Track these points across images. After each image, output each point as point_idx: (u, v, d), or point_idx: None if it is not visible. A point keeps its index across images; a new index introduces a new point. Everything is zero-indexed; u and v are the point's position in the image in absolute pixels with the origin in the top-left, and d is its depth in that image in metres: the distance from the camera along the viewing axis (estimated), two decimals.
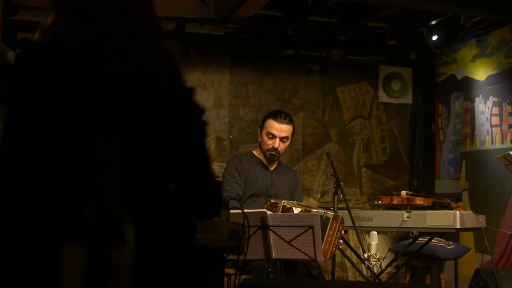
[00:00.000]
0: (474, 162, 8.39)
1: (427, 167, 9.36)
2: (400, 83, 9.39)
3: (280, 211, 5.20)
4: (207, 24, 8.24)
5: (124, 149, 2.01)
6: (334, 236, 5.24)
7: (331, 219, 5.24)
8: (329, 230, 5.20)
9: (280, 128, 5.88)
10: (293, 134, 6.03)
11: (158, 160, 2.21)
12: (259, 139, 6.07)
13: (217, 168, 8.48)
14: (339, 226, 5.28)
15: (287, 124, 5.91)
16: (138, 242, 1.60)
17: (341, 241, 5.51)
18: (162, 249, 2.16)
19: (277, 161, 6.15)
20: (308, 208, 5.29)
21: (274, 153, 5.92)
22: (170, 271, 2.20)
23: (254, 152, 6.17)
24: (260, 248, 4.61)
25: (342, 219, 5.35)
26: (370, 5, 7.95)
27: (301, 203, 5.45)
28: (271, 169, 6.07)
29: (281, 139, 5.89)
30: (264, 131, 5.95)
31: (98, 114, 2.12)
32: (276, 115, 5.95)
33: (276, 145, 5.87)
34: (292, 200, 5.56)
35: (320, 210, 5.29)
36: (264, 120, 6.03)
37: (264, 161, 6.04)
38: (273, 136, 5.88)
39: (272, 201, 5.29)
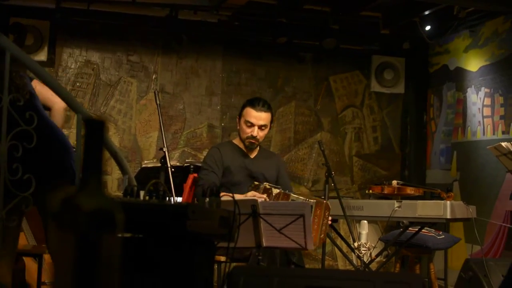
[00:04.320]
0: (465, 153, 8.41)
1: (419, 157, 9.37)
2: (393, 72, 9.40)
3: (262, 192, 5.20)
4: (201, 11, 8.23)
5: None
6: (321, 223, 5.22)
7: (313, 207, 5.22)
8: (314, 217, 5.17)
9: (258, 116, 5.80)
10: (272, 121, 5.95)
11: None
12: (238, 127, 6.00)
13: None
14: (325, 212, 5.27)
15: (265, 111, 5.83)
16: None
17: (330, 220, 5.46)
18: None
19: (258, 148, 6.07)
20: (287, 193, 5.26)
21: (253, 141, 5.85)
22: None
23: (234, 141, 6.09)
24: (251, 236, 4.61)
25: (327, 205, 5.32)
26: None
27: (279, 188, 5.39)
28: (252, 156, 5.98)
29: (260, 127, 5.81)
30: (242, 119, 5.87)
31: None
32: (253, 103, 5.86)
33: (255, 134, 5.81)
34: (278, 186, 5.52)
35: (301, 197, 5.27)
36: (242, 108, 5.94)
37: (244, 149, 5.97)
38: (252, 125, 5.80)
39: (256, 183, 5.29)
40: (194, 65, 8.78)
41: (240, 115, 5.93)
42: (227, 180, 5.77)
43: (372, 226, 8.03)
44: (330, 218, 5.41)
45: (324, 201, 5.34)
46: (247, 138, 5.84)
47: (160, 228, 2.96)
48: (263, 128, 5.84)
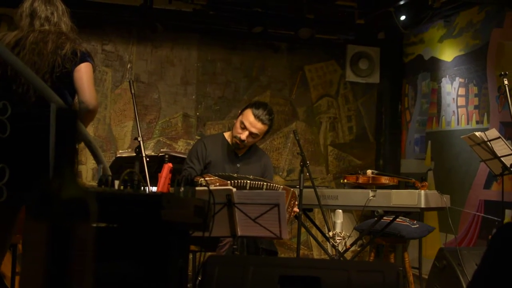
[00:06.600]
0: (440, 142, 8.44)
1: (393, 147, 9.41)
2: (368, 62, 9.42)
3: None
4: (176, 1, 8.20)
5: None
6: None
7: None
8: None
9: (253, 123, 5.66)
10: (267, 133, 5.84)
11: None
12: (235, 121, 5.87)
13: (183, 145, 8.48)
14: (290, 200, 5.27)
15: (262, 123, 5.68)
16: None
17: (296, 209, 5.44)
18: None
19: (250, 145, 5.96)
20: (223, 181, 5.18)
21: (239, 142, 5.73)
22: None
23: (226, 134, 5.97)
24: (226, 225, 4.61)
25: (294, 193, 5.33)
26: None
27: (217, 175, 5.33)
28: (240, 154, 5.88)
29: (251, 133, 5.69)
30: (240, 117, 5.75)
31: None
32: (258, 108, 5.73)
33: (243, 137, 5.68)
34: None
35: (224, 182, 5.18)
36: (246, 107, 5.81)
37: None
38: (245, 127, 5.68)
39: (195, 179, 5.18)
40: (169, 55, 8.75)
41: (241, 112, 5.80)
42: (209, 172, 5.69)
43: (346, 216, 8.05)
44: (296, 207, 5.41)
45: (291, 189, 5.34)
46: (235, 137, 5.73)
47: (135, 217, 2.95)
48: (253, 136, 5.72)
